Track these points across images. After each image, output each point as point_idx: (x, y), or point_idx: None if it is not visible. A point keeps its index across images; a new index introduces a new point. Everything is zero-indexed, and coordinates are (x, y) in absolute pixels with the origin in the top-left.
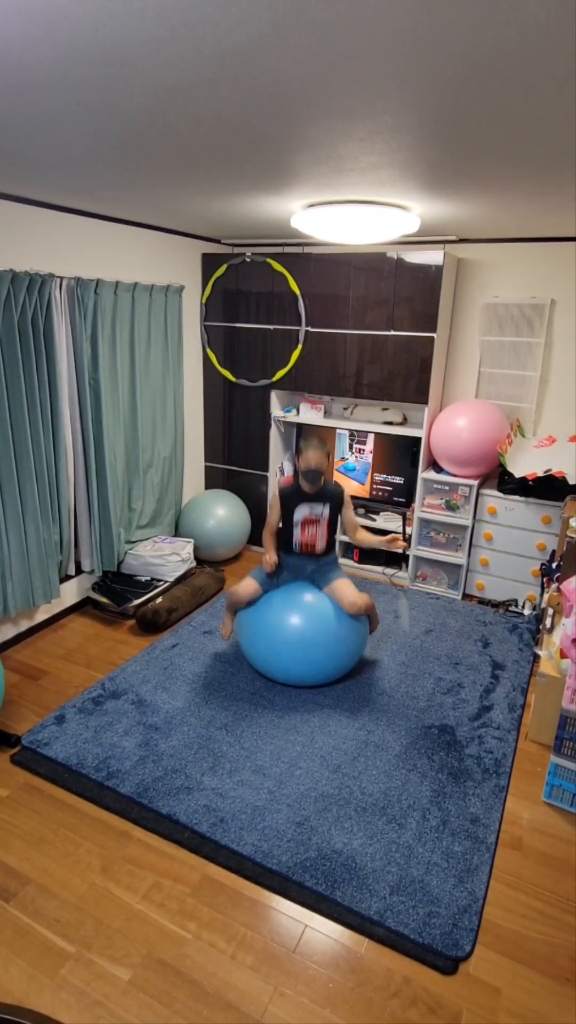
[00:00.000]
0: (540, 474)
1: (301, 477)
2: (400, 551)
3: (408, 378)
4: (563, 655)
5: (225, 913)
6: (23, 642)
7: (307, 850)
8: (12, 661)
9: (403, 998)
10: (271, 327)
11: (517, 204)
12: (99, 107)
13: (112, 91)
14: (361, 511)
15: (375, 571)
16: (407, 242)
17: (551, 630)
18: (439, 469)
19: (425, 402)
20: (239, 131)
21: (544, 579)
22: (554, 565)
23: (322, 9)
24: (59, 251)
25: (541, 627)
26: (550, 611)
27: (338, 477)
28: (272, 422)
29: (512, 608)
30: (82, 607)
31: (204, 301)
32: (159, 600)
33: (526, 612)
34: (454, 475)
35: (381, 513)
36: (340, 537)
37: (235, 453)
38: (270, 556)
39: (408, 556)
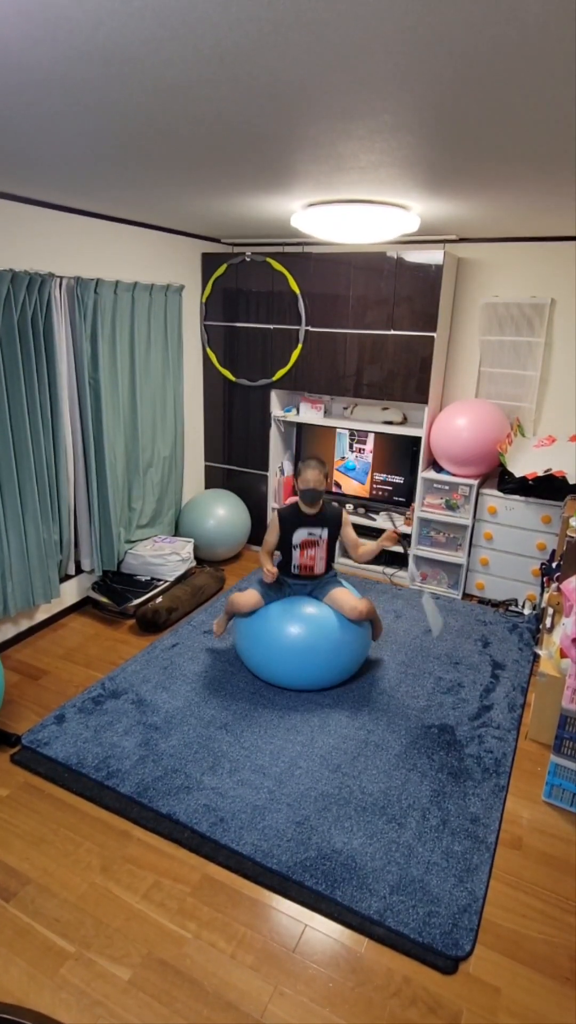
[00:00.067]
0: (540, 474)
1: (300, 497)
2: (392, 544)
3: (408, 378)
4: (563, 655)
5: (225, 913)
6: (23, 642)
7: (307, 850)
8: (12, 661)
9: (403, 998)
10: (271, 327)
11: (517, 203)
12: (99, 107)
13: (112, 91)
14: (361, 511)
15: (375, 571)
16: (407, 241)
17: (551, 630)
18: (439, 468)
19: (425, 402)
20: (239, 130)
21: (544, 579)
22: (554, 565)
23: (322, 8)
24: (59, 250)
25: (541, 627)
26: (550, 611)
27: (338, 477)
28: (272, 422)
29: (512, 608)
30: (82, 607)
31: (204, 300)
32: (159, 600)
33: (526, 612)
34: (454, 475)
35: (381, 513)
36: (342, 560)
37: (235, 453)
38: (269, 567)
39: (408, 556)
